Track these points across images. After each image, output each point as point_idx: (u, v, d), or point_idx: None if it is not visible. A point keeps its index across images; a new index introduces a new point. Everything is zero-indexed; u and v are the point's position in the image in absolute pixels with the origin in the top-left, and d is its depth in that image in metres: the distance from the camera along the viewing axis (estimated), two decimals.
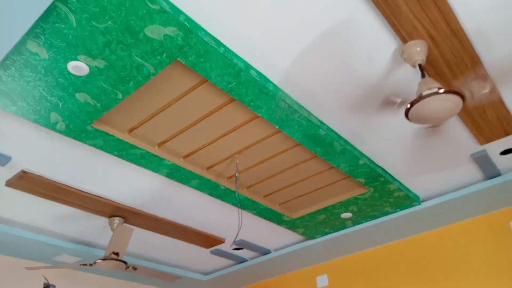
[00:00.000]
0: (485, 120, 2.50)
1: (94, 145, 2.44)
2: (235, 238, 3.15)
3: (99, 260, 3.11)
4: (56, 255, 3.78)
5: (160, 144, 2.58)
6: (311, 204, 3.42)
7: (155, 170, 2.73)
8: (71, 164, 2.67)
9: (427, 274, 3.65)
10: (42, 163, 2.65)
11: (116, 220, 3.34)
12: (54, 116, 2.19)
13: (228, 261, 4.50)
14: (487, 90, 2.24)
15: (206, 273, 4.77)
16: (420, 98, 1.85)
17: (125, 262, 3.20)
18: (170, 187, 3.00)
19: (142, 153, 2.55)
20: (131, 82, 2.01)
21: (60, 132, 2.29)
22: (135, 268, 3.37)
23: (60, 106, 2.12)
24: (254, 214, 3.39)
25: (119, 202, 3.14)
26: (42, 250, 3.64)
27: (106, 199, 3.10)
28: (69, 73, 1.93)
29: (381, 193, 3.17)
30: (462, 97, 1.85)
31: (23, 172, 2.73)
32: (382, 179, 2.99)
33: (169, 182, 2.95)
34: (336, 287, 4.22)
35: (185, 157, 2.72)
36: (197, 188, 2.95)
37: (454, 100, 1.85)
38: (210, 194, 3.05)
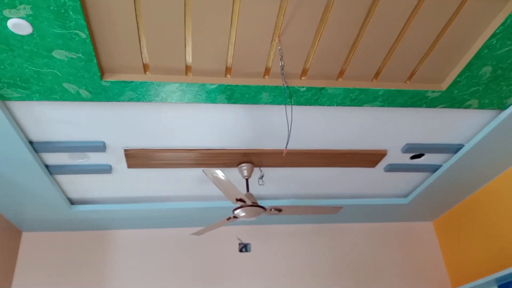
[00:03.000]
0: None
1: (131, 99, 2.27)
2: (287, 142, 2.41)
3: (237, 211, 2.93)
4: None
5: (188, 69, 2.18)
6: (453, 60, 2.26)
7: (211, 101, 2.34)
8: (146, 128, 2.59)
9: None
10: (128, 138, 2.67)
11: (244, 166, 3.10)
12: (69, 86, 2.13)
13: (422, 174, 3.57)
14: None
15: (405, 195, 3.95)
16: None
17: (261, 207, 2.91)
18: (260, 111, 2.52)
19: (178, 86, 2.21)
20: (70, 11, 1.72)
21: (88, 99, 2.23)
22: (279, 210, 3.03)
23: (60, 74, 2.04)
24: (379, 106, 2.51)
25: (222, 147, 2.89)
26: (217, 215, 3.78)
27: (218, 149, 2.91)
28: (14, 34, 1.80)
29: None
30: None
31: (125, 150, 2.84)
32: None
33: (250, 108, 2.48)
34: None
35: (227, 72, 2.21)
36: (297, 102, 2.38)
37: None
38: (307, 104, 2.41)
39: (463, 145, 3.11)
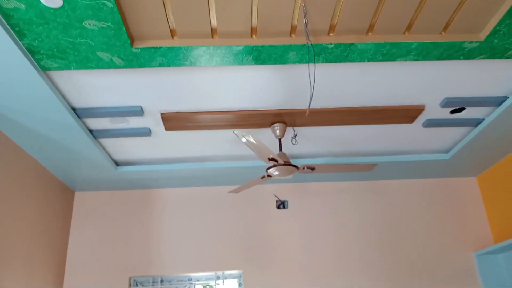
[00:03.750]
0: None
1: (162, 65, 2.34)
2: (310, 102, 2.39)
3: (270, 170, 3.01)
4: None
5: (214, 32, 2.20)
6: (491, 7, 2.11)
7: (238, 62, 2.35)
8: (180, 91, 2.67)
9: None
10: (163, 102, 2.77)
11: (277, 126, 3.14)
12: (102, 55, 2.22)
13: (464, 129, 3.45)
14: None
15: (446, 151, 3.84)
16: None
17: (293, 165, 2.97)
18: (289, 71, 2.52)
19: (205, 50, 2.24)
20: None
21: (122, 66, 2.32)
22: (312, 168, 3.07)
23: (93, 43, 2.13)
24: (413, 60, 2.42)
25: (255, 109, 2.93)
26: (248, 173, 3.89)
27: (250, 110, 2.96)
28: (47, 7, 1.89)
29: None
30: None
31: (162, 114, 2.95)
32: None
33: (279, 68, 2.48)
34: None
35: (253, 33, 2.21)
36: (326, 60, 2.37)
37: None
38: (336, 61, 2.38)
39: (507, 97, 2.96)
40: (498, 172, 3.99)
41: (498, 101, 2.99)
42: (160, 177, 3.89)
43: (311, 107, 2.93)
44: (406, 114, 3.12)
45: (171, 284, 4.06)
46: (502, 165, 3.93)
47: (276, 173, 3.01)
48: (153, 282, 3.99)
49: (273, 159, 2.87)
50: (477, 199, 4.27)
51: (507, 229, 3.87)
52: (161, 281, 4.00)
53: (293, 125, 3.15)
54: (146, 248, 3.97)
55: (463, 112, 3.15)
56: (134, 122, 3.02)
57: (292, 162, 3.74)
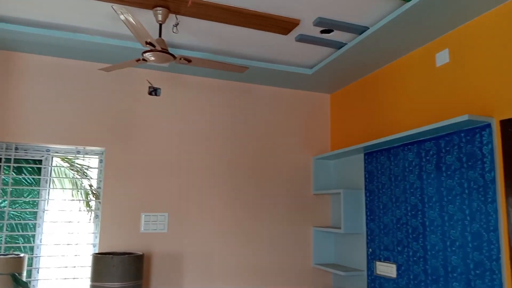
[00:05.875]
0: None
1: None
2: None
3: (146, 54, 3.02)
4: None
5: None
6: None
7: None
8: None
9: None
10: None
11: (159, 10, 3.08)
12: None
13: (329, 49, 3.85)
14: None
15: (311, 67, 4.28)
16: None
17: (170, 54, 3.03)
18: None
19: None
20: None
21: None
22: (188, 60, 3.18)
23: None
24: None
25: None
26: (123, 53, 3.81)
27: None
28: None
29: None
30: None
31: None
32: None
33: None
34: (458, 63, 3.16)
35: None
36: None
37: None
38: None
39: (368, 28, 3.38)
40: (347, 93, 4.64)
41: (360, 30, 3.40)
42: (24, 40, 3.54)
43: None
44: (282, 25, 3.35)
45: (26, 153, 3.97)
46: (351, 88, 4.57)
47: (152, 58, 3.05)
48: (7, 149, 3.84)
49: (150, 44, 2.89)
50: (326, 113, 4.94)
51: (341, 141, 4.64)
52: (16, 148, 3.87)
53: (177, 12, 3.13)
54: (1, 112, 3.73)
55: (331, 33, 3.51)
56: None
57: (170, 50, 3.75)
